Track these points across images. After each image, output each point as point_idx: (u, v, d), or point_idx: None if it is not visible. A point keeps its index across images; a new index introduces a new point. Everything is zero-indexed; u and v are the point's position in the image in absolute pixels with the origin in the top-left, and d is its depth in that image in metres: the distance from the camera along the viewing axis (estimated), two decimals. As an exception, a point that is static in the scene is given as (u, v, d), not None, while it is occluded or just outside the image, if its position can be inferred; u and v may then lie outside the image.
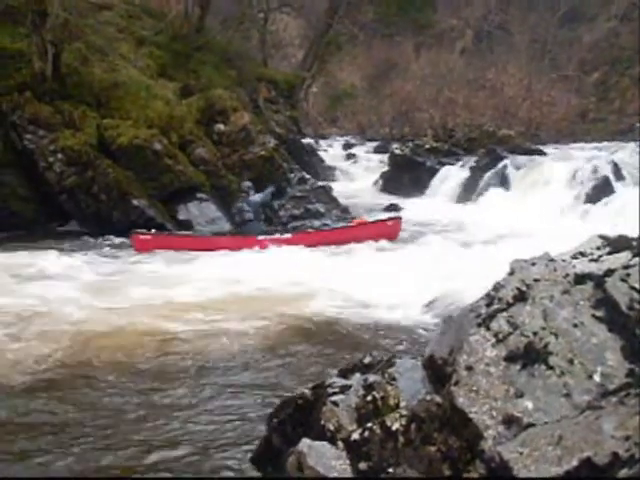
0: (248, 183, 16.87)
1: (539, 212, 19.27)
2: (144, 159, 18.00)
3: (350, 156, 36.21)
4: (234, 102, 20.92)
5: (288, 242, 15.66)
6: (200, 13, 25.58)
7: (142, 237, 15.74)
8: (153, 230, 16.17)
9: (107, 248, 15.94)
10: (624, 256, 3.52)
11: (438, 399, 3.44)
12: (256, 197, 16.49)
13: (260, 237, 15.79)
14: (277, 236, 16.01)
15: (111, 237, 16.81)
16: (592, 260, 3.64)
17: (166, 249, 15.39)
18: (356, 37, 42.86)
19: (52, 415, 6.66)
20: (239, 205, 16.42)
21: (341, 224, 17.91)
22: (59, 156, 17.79)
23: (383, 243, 16.11)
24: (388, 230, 16.72)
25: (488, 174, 24.14)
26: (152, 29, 24.93)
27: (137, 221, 16.99)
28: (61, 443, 6.05)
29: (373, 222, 17.40)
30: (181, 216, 17.94)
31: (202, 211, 18.05)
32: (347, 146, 39.47)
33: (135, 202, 17.57)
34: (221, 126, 20.01)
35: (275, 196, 17.78)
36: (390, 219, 17.39)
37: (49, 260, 13.74)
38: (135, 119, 18.70)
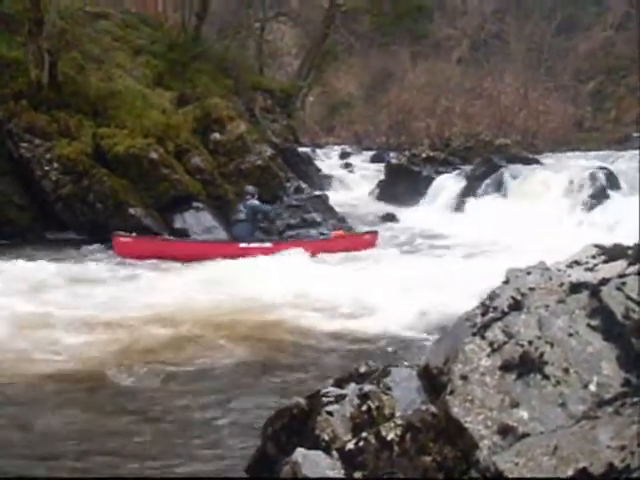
0: (250, 188, 16.92)
1: (535, 221, 19.28)
2: (140, 168, 17.98)
3: (347, 165, 36.18)
4: (230, 111, 20.93)
5: (270, 250, 15.70)
6: (197, 22, 25.62)
7: (122, 239, 15.87)
8: (134, 233, 16.24)
9: (103, 256, 15.89)
10: (619, 265, 3.51)
11: (433, 409, 3.43)
12: (254, 201, 16.55)
13: (242, 245, 15.86)
14: (259, 244, 16.05)
15: (107, 245, 16.76)
16: (587, 269, 3.63)
17: (146, 254, 15.42)
18: (352, 46, 42.99)
19: (56, 420, 6.66)
20: (237, 206, 16.60)
21: (323, 236, 17.94)
22: (55, 165, 17.78)
23: (377, 252, 16.13)
24: (365, 243, 17.06)
25: (484, 183, 24.14)
26: (148, 38, 24.97)
27: (133, 230, 16.94)
28: (59, 448, 6.05)
29: (351, 235, 17.71)
30: (177, 225, 17.91)
31: (198, 220, 18.03)
32: (344, 155, 39.44)
33: (131, 211, 17.56)
34: (217, 135, 20.00)
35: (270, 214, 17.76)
36: (367, 232, 17.84)
37: (44, 268, 13.73)
38: (131, 128, 18.70)
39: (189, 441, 6.22)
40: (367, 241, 17.15)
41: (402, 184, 27.23)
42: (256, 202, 16.62)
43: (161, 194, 18.06)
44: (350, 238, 17.25)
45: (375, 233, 17.73)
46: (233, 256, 15.13)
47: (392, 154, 31.69)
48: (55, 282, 12.77)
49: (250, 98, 26.93)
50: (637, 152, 23.78)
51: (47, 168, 17.81)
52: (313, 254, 15.69)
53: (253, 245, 15.91)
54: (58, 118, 18.50)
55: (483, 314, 3.61)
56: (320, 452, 3.53)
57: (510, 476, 2.97)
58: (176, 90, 22.21)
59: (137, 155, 18.07)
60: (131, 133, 18.56)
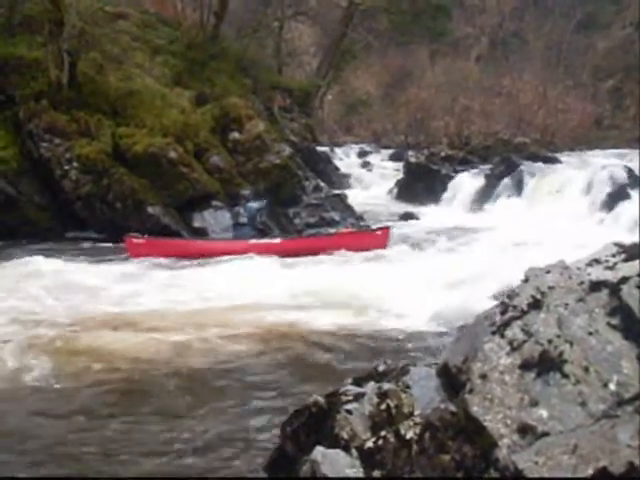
0: (247, 191, 16.99)
1: (555, 219, 19.20)
2: (159, 167, 18.05)
3: (365, 164, 36.17)
4: (249, 110, 20.96)
5: (278, 248, 15.69)
6: (215, 21, 25.64)
7: (135, 241, 15.78)
8: (146, 235, 16.18)
9: (121, 255, 15.93)
10: (639, 263, 3.50)
11: (452, 407, 3.43)
12: (254, 204, 16.56)
13: (252, 241, 15.81)
14: (267, 241, 16.02)
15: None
16: (607, 268, 3.62)
17: (158, 254, 15.38)
18: (371, 45, 42.92)
19: (70, 419, 6.69)
20: (236, 209, 16.59)
21: (333, 232, 17.80)
22: (75, 164, 17.89)
23: (396, 250, 16.06)
24: (377, 239, 16.65)
25: (503, 182, 24.10)
26: (167, 38, 25.03)
27: (152, 229, 17.02)
28: (75, 447, 6.08)
29: (363, 231, 17.48)
30: (196, 224, 17.96)
31: (217, 219, 18.05)
32: (362, 154, 39.41)
33: (150, 210, 17.63)
34: (236, 134, 20.04)
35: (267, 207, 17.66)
36: (379, 229, 17.33)
37: (62, 266, 13.80)
38: (150, 127, 18.77)
39: (208, 440, 6.23)
40: (377, 239, 16.67)
41: (421, 183, 27.20)
42: (254, 204, 16.63)
43: (180, 193, 18.11)
44: (358, 236, 16.96)
45: (387, 229, 17.13)
46: (241, 253, 15.15)
47: (411, 153, 31.63)
48: (72, 281, 12.82)
49: (268, 97, 26.94)
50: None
51: (67, 167, 17.92)
52: (320, 252, 15.65)
53: (262, 241, 15.90)
54: (78, 118, 18.61)
55: (502, 313, 3.60)
56: (339, 451, 3.53)
57: (529, 475, 2.96)
58: (195, 89, 22.25)
59: (156, 154, 18.14)
60: (150, 132, 18.64)
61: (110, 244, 16.96)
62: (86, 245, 17.07)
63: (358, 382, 4.17)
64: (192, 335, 9.48)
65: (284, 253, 15.35)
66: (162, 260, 15.03)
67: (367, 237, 16.81)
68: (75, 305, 11.03)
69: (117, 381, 7.76)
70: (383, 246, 16.47)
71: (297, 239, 17.01)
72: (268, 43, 36.72)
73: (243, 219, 16.36)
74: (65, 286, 12.29)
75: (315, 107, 35.17)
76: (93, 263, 14.72)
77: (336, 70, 39.06)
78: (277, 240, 16.20)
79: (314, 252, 15.63)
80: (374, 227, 17.90)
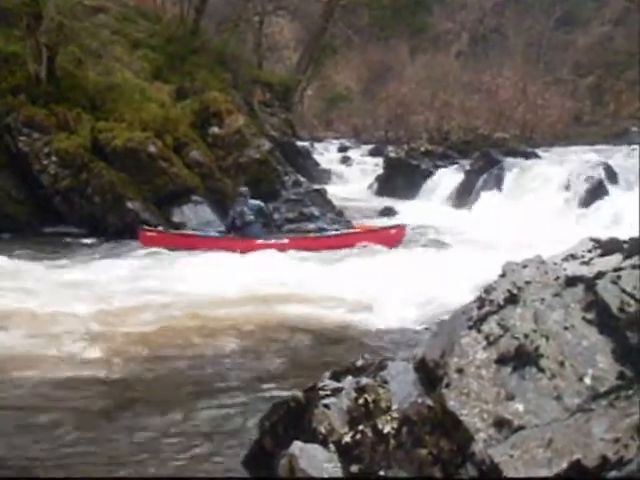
0: (245, 188, 16.79)
1: (533, 215, 19.29)
2: (138, 161, 17.95)
3: (345, 159, 36.21)
4: (229, 105, 20.88)
5: (288, 246, 15.60)
6: (195, 15, 25.56)
7: (148, 234, 16.01)
8: (159, 227, 16.52)
9: (99, 250, 15.87)
10: (615, 259, 3.53)
11: (429, 402, 3.44)
12: (254, 201, 16.42)
13: (260, 240, 15.76)
14: (277, 240, 15.95)
15: (104, 239, 16.77)
16: (583, 263, 3.65)
17: (169, 245, 15.56)
18: (351, 40, 42.92)
19: (50, 418, 6.66)
20: (239, 209, 16.25)
21: (343, 230, 17.69)
22: (53, 158, 17.76)
23: (375, 247, 16.02)
24: (391, 238, 16.46)
25: (483, 177, 24.18)
26: (147, 32, 24.92)
27: (132, 223, 16.95)
28: (53, 447, 6.05)
29: (377, 229, 17.29)
30: (175, 218, 17.88)
31: (197, 214, 18.00)
32: (342, 149, 39.49)
33: (129, 204, 17.53)
34: (216, 129, 19.96)
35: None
36: (394, 227, 17.16)
37: (39, 262, 13.73)
38: (129, 121, 18.66)
39: (185, 435, 6.22)
40: (392, 237, 16.42)
41: (400, 178, 27.28)
42: (257, 202, 16.47)
43: (159, 188, 18.03)
44: (373, 233, 16.78)
45: (402, 228, 16.91)
46: (249, 250, 15.15)
47: (391, 148, 31.69)
48: (49, 277, 12.76)
49: (249, 92, 26.88)
50: (636, 146, 23.82)
51: (45, 162, 17.79)
52: (331, 249, 15.56)
53: (271, 242, 15.78)
54: (56, 112, 18.47)
55: (479, 307, 3.62)
56: (317, 445, 3.54)
57: (505, 468, 2.98)
58: (175, 83, 22.16)
59: (135, 149, 18.04)
60: (129, 126, 18.52)
61: (90, 240, 16.94)
62: (66, 240, 16.98)
63: (336, 377, 4.17)
64: (170, 328, 9.46)
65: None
66: (156, 254, 15.07)
67: (381, 236, 16.57)
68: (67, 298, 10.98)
69: (86, 375, 7.73)
70: (397, 244, 16.32)
71: (309, 238, 16.84)
72: (248, 37, 36.65)
73: (250, 217, 16.06)
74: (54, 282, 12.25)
75: (295, 102, 35.17)
76: (73, 257, 14.67)
77: (316, 65, 39.07)
78: (285, 240, 16.13)
79: (326, 250, 15.58)
80: (389, 225, 17.78)
